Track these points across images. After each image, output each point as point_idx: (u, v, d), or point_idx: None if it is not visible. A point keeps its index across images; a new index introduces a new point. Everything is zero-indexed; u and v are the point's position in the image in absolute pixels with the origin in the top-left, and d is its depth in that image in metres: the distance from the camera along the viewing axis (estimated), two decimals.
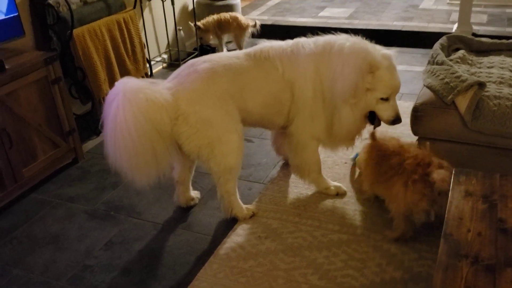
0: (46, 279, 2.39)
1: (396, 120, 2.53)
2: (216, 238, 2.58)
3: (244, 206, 2.71)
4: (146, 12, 4.60)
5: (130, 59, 3.97)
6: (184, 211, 2.82)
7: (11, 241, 2.68)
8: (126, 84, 2.32)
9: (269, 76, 2.57)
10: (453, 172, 2.00)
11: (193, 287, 2.26)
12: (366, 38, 2.56)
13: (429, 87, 2.66)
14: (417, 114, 2.60)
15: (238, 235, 2.57)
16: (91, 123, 3.74)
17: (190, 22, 5.06)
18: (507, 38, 3.35)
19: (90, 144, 3.62)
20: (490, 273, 1.50)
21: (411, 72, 4.47)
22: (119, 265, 2.45)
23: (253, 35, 4.98)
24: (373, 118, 2.59)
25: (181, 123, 2.43)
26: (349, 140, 2.72)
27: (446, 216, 1.76)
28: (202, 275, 2.32)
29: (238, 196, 2.68)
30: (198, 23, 4.87)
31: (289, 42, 2.66)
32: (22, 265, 2.50)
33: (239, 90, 2.52)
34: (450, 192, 1.88)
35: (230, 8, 5.25)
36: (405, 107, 3.69)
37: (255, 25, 4.92)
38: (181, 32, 5.04)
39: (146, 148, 2.32)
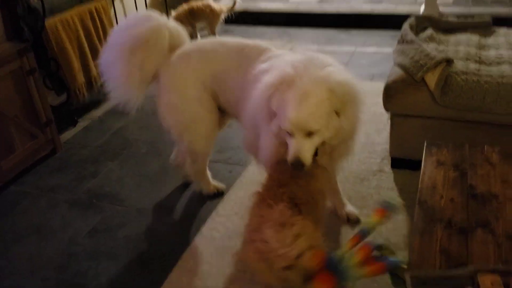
0: (32, 269, 2.41)
1: (293, 164, 1.91)
2: (199, 219, 2.63)
3: (212, 182, 2.79)
4: (117, 2, 4.56)
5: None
6: (166, 196, 2.86)
7: None
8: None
9: (239, 74, 2.32)
10: (425, 144, 2.09)
11: (180, 267, 2.31)
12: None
13: (399, 65, 2.75)
14: (388, 92, 2.68)
15: (220, 215, 2.63)
16: (68, 114, 3.73)
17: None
18: (472, 17, 3.46)
19: (67, 135, 3.61)
20: (463, 235, 1.60)
21: (380, 54, 4.58)
22: (105, 251, 2.48)
23: (226, 21, 5.00)
24: None
25: (158, 99, 2.53)
26: None
27: (420, 185, 1.85)
28: (188, 255, 2.38)
29: (207, 173, 2.77)
30: (170, 17, 4.87)
31: (283, 51, 2.27)
32: (6, 257, 2.50)
33: (210, 78, 2.42)
34: (422, 163, 1.98)
35: None
36: (376, 88, 3.80)
37: (234, 5, 4.94)
38: None
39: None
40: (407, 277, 1.42)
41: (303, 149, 1.89)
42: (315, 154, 1.97)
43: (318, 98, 1.87)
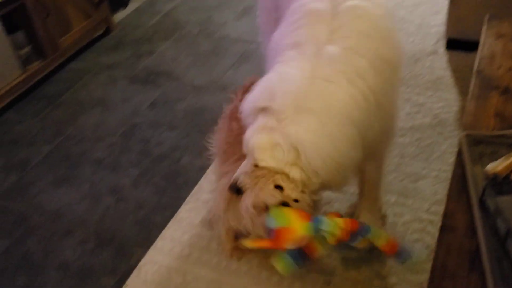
0: (99, 136, 2.61)
1: (229, 186, 1.49)
2: None
3: None
4: None
5: None
6: (219, 74, 2.95)
7: (59, 105, 2.87)
8: None
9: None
10: (486, 18, 2.05)
11: None
12: None
13: None
14: None
15: None
16: None
17: None
18: None
19: (119, 16, 3.67)
20: None
21: None
22: (165, 122, 2.64)
23: None
24: None
25: None
26: None
27: (478, 55, 1.85)
28: None
29: None
30: None
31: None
32: (74, 125, 2.70)
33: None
34: (482, 35, 1.95)
35: None
36: None
37: None
38: None
39: None
40: (462, 137, 1.49)
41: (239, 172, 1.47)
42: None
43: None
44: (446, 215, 1.31)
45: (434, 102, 2.49)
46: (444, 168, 2.12)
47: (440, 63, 2.75)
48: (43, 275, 1.93)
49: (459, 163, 1.44)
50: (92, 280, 1.89)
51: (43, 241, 2.07)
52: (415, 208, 1.98)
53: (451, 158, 2.11)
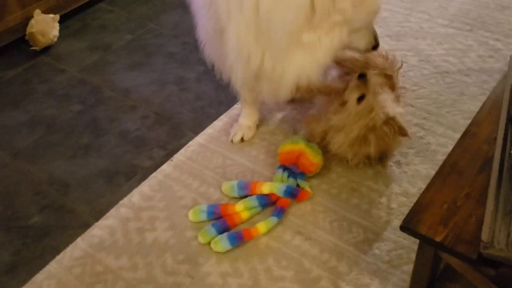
0: (175, 33, 2.78)
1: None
2: None
3: None
4: None
5: None
6: None
7: (147, 1, 3.06)
8: None
9: None
10: None
11: None
12: None
13: None
14: None
15: None
16: None
17: None
18: None
19: None
20: None
21: None
22: None
23: None
24: None
25: None
26: None
27: None
28: None
29: None
30: None
31: None
32: (156, 21, 2.89)
33: None
34: None
35: None
36: None
37: None
38: None
39: None
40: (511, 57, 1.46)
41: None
42: None
43: None
44: (473, 123, 1.34)
45: (511, 50, 2.39)
46: None
47: None
48: (104, 138, 2.17)
49: (503, 83, 1.44)
50: (145, 149, 2.10)
51: (110, 111, 2.30)
52: None
53: None
